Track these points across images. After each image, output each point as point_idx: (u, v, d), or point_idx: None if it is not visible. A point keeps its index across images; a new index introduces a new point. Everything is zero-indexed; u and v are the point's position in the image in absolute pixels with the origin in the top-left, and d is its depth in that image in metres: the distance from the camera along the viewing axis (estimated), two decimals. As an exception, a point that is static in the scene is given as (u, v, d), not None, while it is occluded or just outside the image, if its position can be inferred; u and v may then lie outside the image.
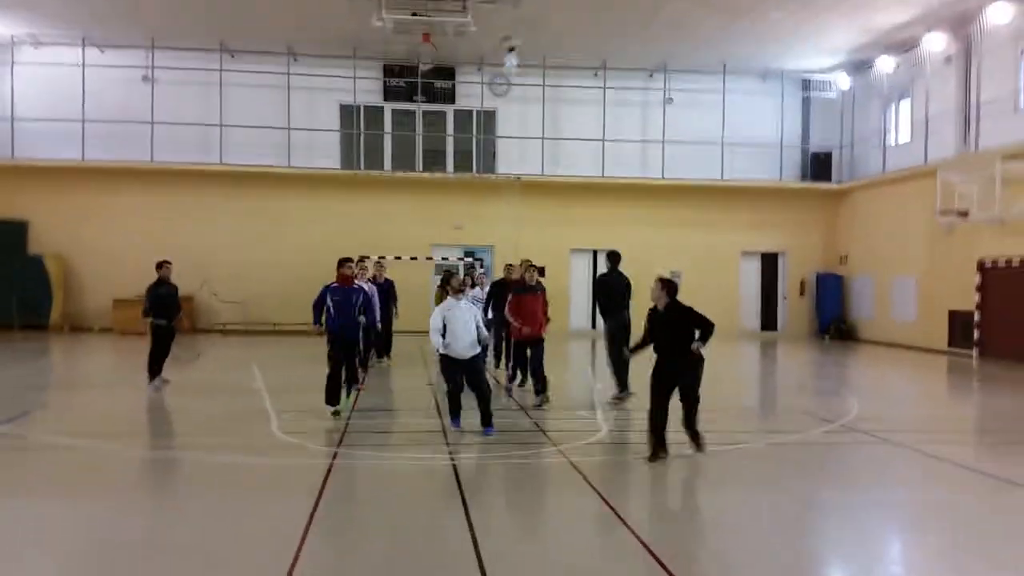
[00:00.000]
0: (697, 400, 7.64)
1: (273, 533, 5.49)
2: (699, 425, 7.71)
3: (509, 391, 11.66)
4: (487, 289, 13.59)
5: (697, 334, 7.43)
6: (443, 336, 8.54)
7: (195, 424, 9.66)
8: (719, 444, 8.09)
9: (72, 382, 14.00)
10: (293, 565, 4.82)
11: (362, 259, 14.96)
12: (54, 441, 8.39)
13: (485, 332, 8.95)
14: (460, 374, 8.78)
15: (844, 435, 9.36)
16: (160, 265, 11.81)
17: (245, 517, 5.94)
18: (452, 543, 5.35)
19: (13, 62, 21.90)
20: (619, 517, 5.98)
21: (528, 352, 11.12)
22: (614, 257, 11.42)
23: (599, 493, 6.60)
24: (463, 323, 8.57)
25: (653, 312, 7.73)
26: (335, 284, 9.77)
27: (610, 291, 11.19)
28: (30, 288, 21.32)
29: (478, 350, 8.76)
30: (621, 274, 11.32)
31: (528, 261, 11.59)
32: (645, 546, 5.31)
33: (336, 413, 9.53)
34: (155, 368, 11.67)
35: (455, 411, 8.94)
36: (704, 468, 7.60)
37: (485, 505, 6.44)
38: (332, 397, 9.60)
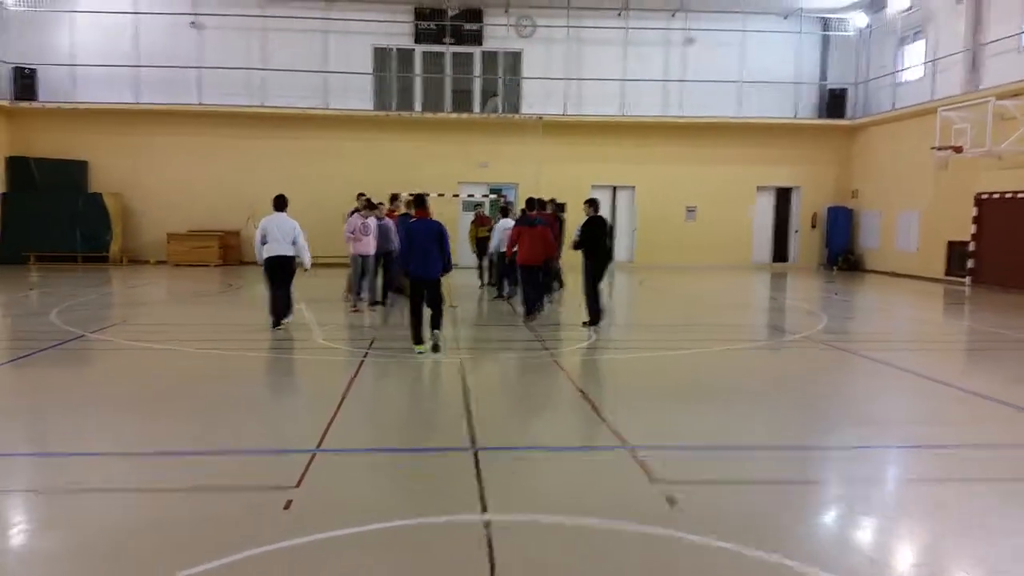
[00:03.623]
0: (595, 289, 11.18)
1: (319, 397, 7.22)
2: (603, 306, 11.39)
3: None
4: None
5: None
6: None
7: (253, 332, 11.47)
8: (676, 349, 9.56)
9: (148, 301, 15.61)
10: (335, 413, 6.57)
11: (394, 197, 16.52)
12: (136, 345, 10.25)
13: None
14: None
15: (795, 344, 10.86)
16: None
17: (297, 389, 7.71)
18: (451, 407, 7.01)
19: (71, 11, 23.55)
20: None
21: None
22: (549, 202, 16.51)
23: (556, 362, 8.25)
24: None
25: (586, 222, 11.31)
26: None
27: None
28: (91, 223, 23.14)
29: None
30: (558, 216, 16.48)
31: (539, 199, 12.87)
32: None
33: (433, 348, 9.31)
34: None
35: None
36: (652, 362, 9.17)
37: (476, 378, 8.12)
38: (418, 333, 9.43)
